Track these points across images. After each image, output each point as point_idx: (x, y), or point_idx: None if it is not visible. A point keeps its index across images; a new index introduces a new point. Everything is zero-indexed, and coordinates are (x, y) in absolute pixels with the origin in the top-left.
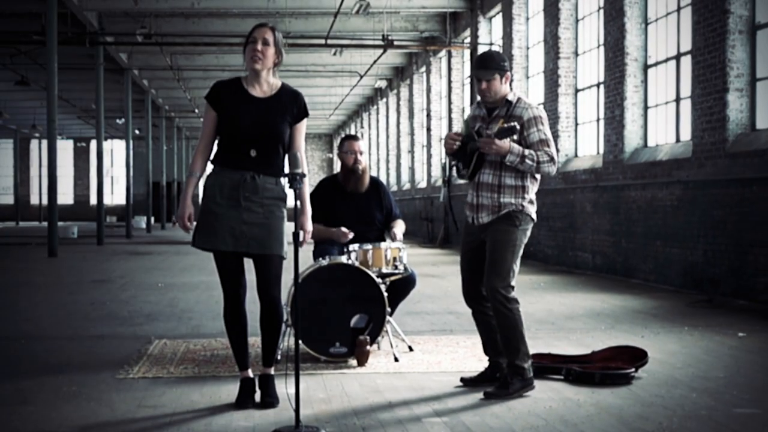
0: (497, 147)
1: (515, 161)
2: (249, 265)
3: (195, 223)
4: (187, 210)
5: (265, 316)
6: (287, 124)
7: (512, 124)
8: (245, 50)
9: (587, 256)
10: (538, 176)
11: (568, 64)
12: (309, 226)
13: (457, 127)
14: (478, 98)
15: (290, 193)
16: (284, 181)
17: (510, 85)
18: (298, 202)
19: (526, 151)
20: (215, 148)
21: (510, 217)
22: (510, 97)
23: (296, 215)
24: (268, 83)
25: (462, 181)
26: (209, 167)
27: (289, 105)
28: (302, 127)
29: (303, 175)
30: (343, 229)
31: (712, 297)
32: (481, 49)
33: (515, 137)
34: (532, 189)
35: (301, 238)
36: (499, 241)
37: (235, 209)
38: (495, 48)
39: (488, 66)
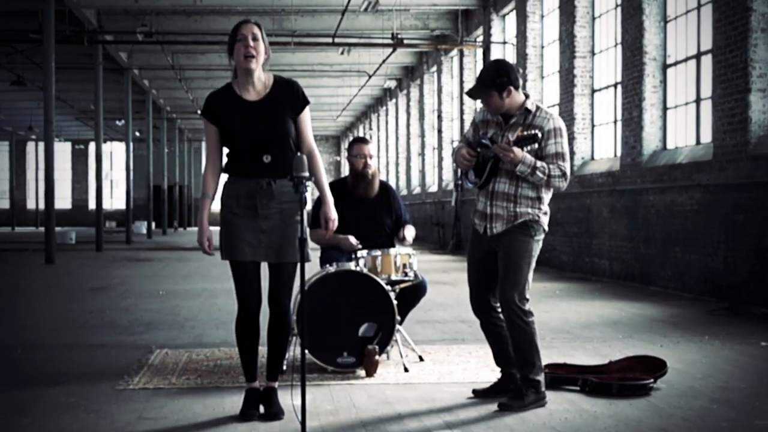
0: (513, 156)
1: (526, 172)
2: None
3: (219, 237)
4: (206, 234)
5: (273, 324)
6: (290, 120)
7: (534, 132)
8: (232, 51)
9: (604, 262)
10: (552, 188)
11: (584, 64)
12: (333, 213)
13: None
14: None
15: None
16: (307, 173)
17: (524, 90)
18: (309, 204)
19: (539, 163)
20: (225, 158)
21: (526, 227)
22: (529, 106)
23: (302, 219)
24: (261, 81)
25: (469, 185)
26: (223, 177)
27: (287, 98)
28: (306, 117)
29: (309, 178)
30: (352, 239)
31: (733, 305)
32: (494, 49)
33: (534, 146)
34: (546, 200)
35: (326, 228)
36: (514, 252)
37: (252, 218)
38: (509, 46)
39: (482, 83)
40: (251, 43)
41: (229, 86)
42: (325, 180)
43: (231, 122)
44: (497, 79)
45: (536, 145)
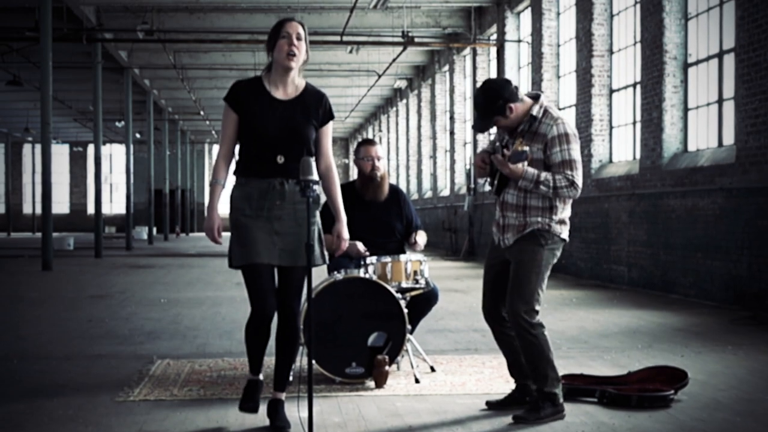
0: (509, 172)
1: (529, 186)
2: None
3: (229, 243)
4: (216, 221)
5: (282, 329)
6: (313, 127)
7: (524, 149)
8: (273, 46)
9: (623, 269)
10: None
11: (602, 63)
12: (345, 233)
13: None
14: None
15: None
16: (315, 177)
17: (537, 91)
18: (317, 212)
19: (542, 176)
20: (236, 156)
21: (535, 236)
22: (535, 111)
23: (309, 223)
24: (294, 84)
25: (488, 189)
26: (232, 178)
27: (314, 107)
28: (328, 131)
29: (316, 182)
30: (360, 246)
31: (757, 313)
32: (509, 47)
33: (541, 154)
34: (562, 209)
35: (337, 246)
36: (523, 262)
37: (265, 220)
38: (524, 44)
39: (485, 115)
40: (295, 42)
41: (258, 79)
42: (341, 198)
43: (254, 114)
44: (492, 106)
45: (526, 163)
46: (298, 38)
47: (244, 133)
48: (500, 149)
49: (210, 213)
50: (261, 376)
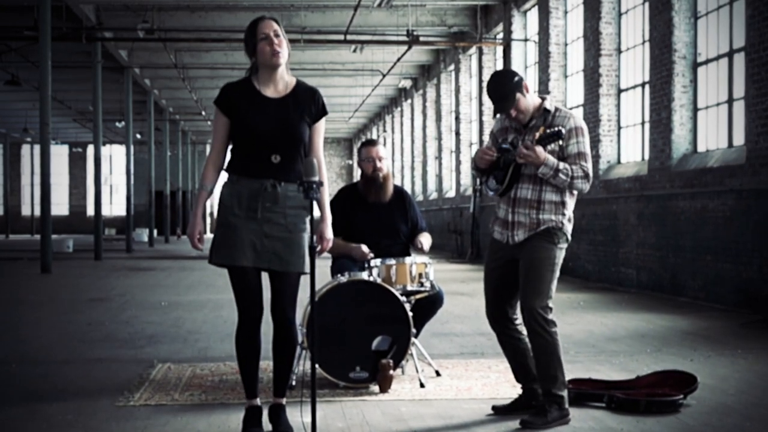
0: (535, 156)
1: (548, 174)
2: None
3: (212, 238)
4: (198, 227)
5: (278, 338)
6: (306, 124)
7: (557, 128)
8: (254, 50)
9: (631, 272)
10: (575, 191)
11: (610, 62)
12: (329, 233)
13: (488, 131)
14: None
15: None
16: (317, 178)
17: (546, 91)
18: (317, 212)
19: (561, 165)
20: (228, 155)
21: (549, 234)
22: (548, 106)
23: (312, 226)
24: (284, 81)
25: (491, 189)
26: (224, 176)
27: (307, 103)
28: (321, 127)
29: (320, 183)
30: (364, 248)
31: (767, 316)
32: (515, 46)
33: (556, 147)
34: (571, 205)
35: (319, 248)
36: (537, 259)
37: (254, 221)
38: (530, 43)
39: (505, 93)
40: (276, 40)
41: (247, 80)
42: (327, 196)
43: (246, 115)
44: (511, 83)
45: (561, 142)
46: (276, 35)
47: (237, 134)
48: (510, 147)
49: (193, 219)
50: (258, 401)
